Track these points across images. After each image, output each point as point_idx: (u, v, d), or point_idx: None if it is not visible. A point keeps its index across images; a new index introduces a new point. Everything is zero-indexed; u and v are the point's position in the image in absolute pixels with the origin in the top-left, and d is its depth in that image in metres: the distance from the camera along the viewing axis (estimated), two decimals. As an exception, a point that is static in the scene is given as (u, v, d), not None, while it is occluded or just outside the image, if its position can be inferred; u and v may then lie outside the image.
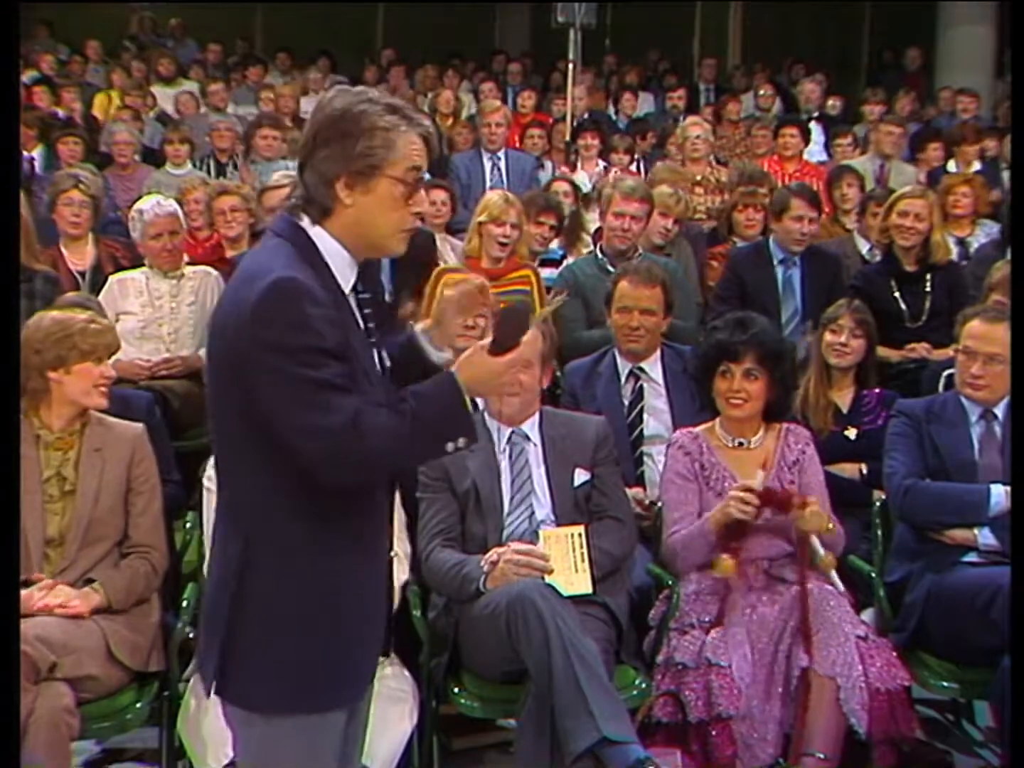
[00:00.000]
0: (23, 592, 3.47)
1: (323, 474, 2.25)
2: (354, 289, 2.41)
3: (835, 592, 3.83)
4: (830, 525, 3.88)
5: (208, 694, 2.40)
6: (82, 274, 5.88)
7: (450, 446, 2.30)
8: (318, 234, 2.35)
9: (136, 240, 5.54)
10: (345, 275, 2.38)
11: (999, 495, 3.88)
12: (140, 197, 6.18)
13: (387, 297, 5.67)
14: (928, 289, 5.59)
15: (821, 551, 3.83)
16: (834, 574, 3.87)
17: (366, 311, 2.42)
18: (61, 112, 10.39)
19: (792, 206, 5.75)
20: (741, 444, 4.08)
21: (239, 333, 2.25)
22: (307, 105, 10.88)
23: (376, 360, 2.43)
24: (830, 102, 10.74)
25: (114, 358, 5.02)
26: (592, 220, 6.87)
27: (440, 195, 6.72)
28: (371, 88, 2.39)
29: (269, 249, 2.36)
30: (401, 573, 3.80)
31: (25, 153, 8.90)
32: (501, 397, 3.72)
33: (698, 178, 7.81)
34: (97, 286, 5.59)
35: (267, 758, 2.39)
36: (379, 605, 2.47)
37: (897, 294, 5.58)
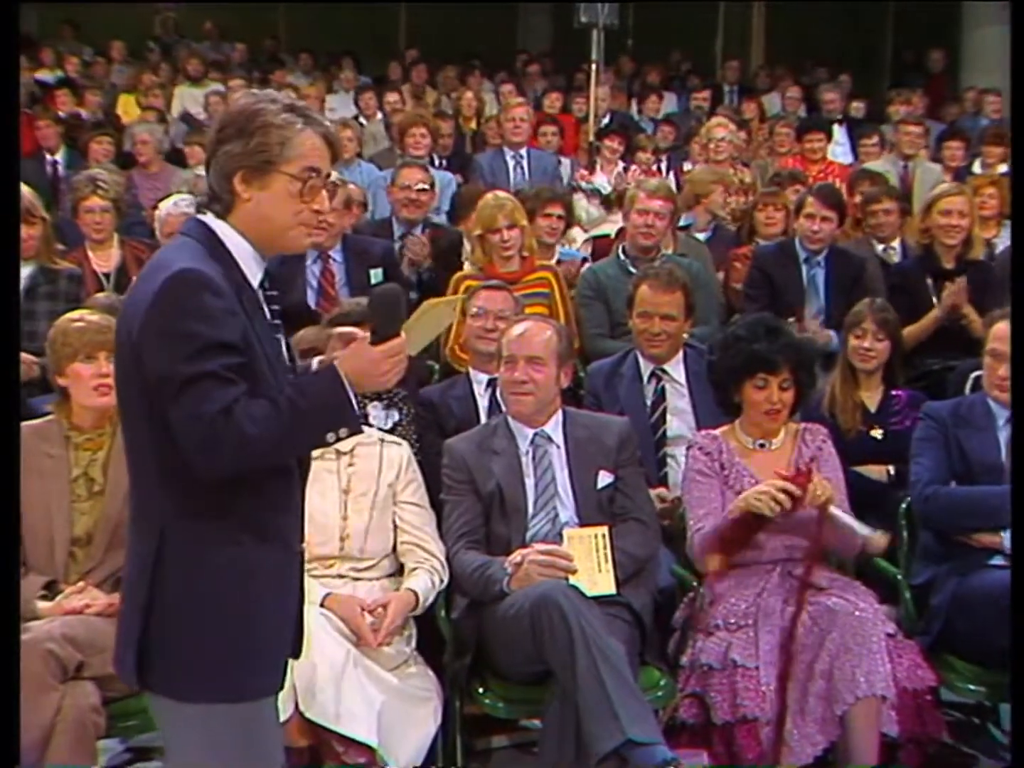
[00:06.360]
0: (49, 604, 3.47)
1: (199, 463, 2.27)
2: (261, 286, 2.45)
3: (865, 596, 3.78)
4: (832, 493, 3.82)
5: (132, 687, 2.47)
6: (107, 276, 5.90)
7: (331, 437, 2.32)
8: (223, 229, 2.41)
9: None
10: (252, 268, 2.42)
11: (1025, 497, 3.85)
12: (165, 197, 6.21)
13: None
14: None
15: (863, 530, 3.77)
16: (839, 512, 3.80)
17: (274, 307, 2.46)
18: (85, 113, 10.45)
19: (806, 203, 5.78)
20: (762, 446, 4.07)
21: (141, 323, 2.30)
22: (332, 103, 10.92)
23: (284, 353, 2.48)
24: (854, 104, 10.69)
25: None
26: (615, 222, 6.87)
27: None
28: (278, 91, 2.48)
29: (177, 246, 2.42)
30: (439, 578, 3.83)
31: (49, 156, 8.98)
32: (510, 397, 3.92)
33: (723, 179, 7.79)
34: (121, 288, 5.57)
35: (201, 746, 2.40)
36: (293, 599, 2.49)
37: (933, 292, 5.50)
